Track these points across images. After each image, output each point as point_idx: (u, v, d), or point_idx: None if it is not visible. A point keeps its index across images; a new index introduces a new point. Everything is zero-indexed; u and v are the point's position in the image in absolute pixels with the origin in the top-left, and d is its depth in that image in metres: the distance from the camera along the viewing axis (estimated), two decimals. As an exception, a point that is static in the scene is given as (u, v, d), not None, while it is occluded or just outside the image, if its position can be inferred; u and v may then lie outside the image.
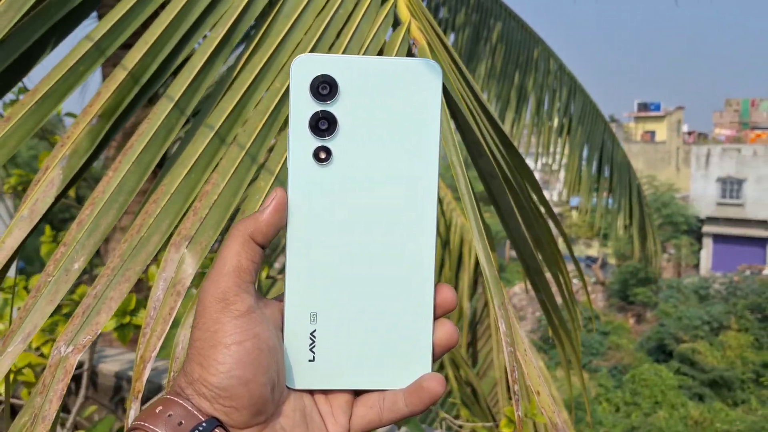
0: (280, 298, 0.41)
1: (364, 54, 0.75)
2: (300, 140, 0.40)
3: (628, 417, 12.19)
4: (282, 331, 0.40)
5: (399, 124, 0.41)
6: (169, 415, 0.37)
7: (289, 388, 0.40)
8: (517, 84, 3.37)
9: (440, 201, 3.24)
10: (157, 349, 0.55)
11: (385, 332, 0.41)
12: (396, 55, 0.76)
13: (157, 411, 0.37)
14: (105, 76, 2.31)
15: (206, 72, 0.69)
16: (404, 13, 0.79)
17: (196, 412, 0.37)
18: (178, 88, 0.68)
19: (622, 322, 17.12)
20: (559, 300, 1.07)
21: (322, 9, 0.76)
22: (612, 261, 21.79)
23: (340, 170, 0.40)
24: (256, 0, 0.74)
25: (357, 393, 0.42)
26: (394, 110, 0.40)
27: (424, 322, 0.41)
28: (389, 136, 0.40)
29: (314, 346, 0.41)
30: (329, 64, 0.40)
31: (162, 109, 0.67)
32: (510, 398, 3.29)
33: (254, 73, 0.70)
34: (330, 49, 0.74)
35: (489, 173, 0.90)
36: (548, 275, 1.01)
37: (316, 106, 0.40)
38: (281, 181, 0.65)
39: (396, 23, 0.79)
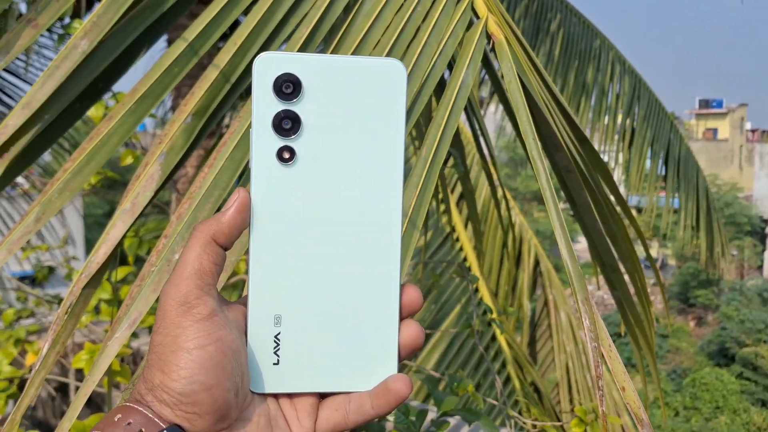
0: (243, 301, 0.41)
1: (441, 50, 0.76)
2: (263, 140, 0.39)
3: (687, 421, 11.80)
4: (245, 334, 0.40)
5: (363, 123, 0.40)
6: (129, 423, 0.36)
7: (253, 392, 0.40)
8: (577, 79, 3.31)
9: (476, 202, 3.21)
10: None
11: (351, 334, 0.41)
12: (475, 51, 0.76)
13: (116, 419, 0.36)
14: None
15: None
16: (481, 8, 0.80)
17: (156, 420, 0.36)
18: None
19: (682, 325, 16.57)
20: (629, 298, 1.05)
21: (401, 7, 0.77)
22: (672, 262, 21.12)
23: (304, 170, 0.39)
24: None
25: (322, 396, 0.42)
26: (359, 110, 0.40)
27: (390, 323, 0.41)
28: (354, 135, 0.40)
29: (279, 349, 0.40)
30: (293, 62, 0.39)
31: (246, 117, 0.69)
32: (571, 399, 3.23)
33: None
34: (408, 47, 0.75)
35: (565, 168, 0.89)
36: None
37: (279, 105, 0.39)
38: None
39: (473, 19, 0.80)
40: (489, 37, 0.79)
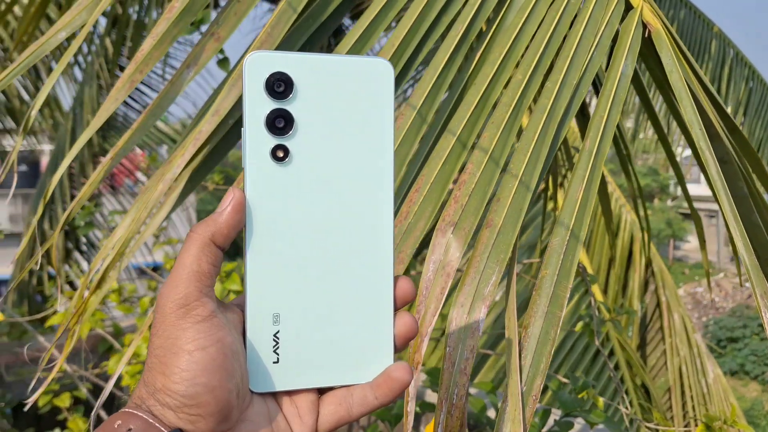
0: (238, 301, 0.41)
1: (597, 42, 0.75)
2: (256, 139, 0.39)
3: None
4: (243, 334, 0.40)
5: (354, 121, 0.40)
6: (129, 429, 0.35)
7: (253, 392, 0.40)
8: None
9: (609, 197, 3.10)
10: (433, 324, 0.59)
11: (348, 328, 0.41)
12: (632, 40, 0.75)
13: (116, 425, 0.35)
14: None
15: (447, 70, 0.73)
16: (636, -2, 0.78)
17: (157, 425, 0.36)
18: (421, 91, 0.72)
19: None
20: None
21: (554, 0, 0.77)
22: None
23: (298, 169, 0.40)
24: (489, -3, 0.77)
25: (321, 392, 0.42)
26: (350, 108, 0.40)
27: (385, 316, 0.41)
28: (346, 133, 0.40)
29: (278, 348, 0.40)
30: (283, 61, 0.39)
31: (408, 115, 0.71)
32: (684, 405, 3.07)
33: (494, 67, 0.72)
34: (564, 40, 0.75)
35: (721, 159, 0.85)
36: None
37: (272, 104, 0.39)
38: (526, 177, 0.67)
39: (628, 8, 0.78)
40: (644, 26, 0.77)
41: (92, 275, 0.66)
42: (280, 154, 0.39)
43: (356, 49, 0.74)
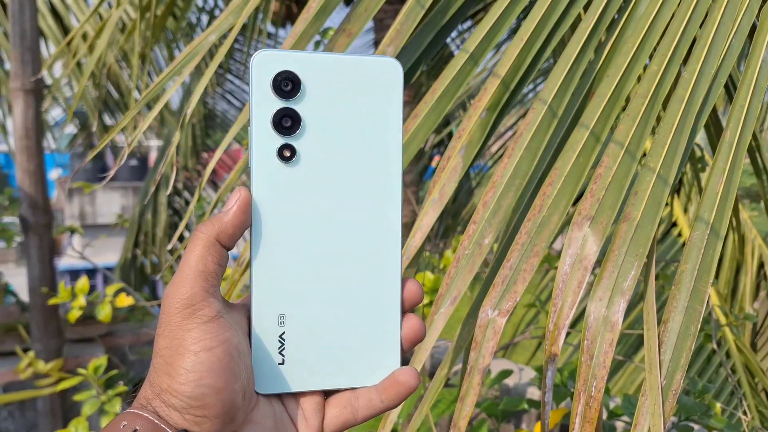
0: (243, 302, 0.40)
1: (736, 29, 0.72)
2: (263, 138, 0.38)
3: None
4: (249, 335, 0.39)
5: (362, 121, 0.39)
6: (135, 430, 0.35)
7: (259, 393, 0.39)
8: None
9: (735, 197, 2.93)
10: (570, 317, 0.59)
11: (354, 330, 0.40)
12: (777, 27, 0.71)
13: (122, 426, 0.35)
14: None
15: (578, 62, 0.72)
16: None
17: (163, 425, 0.35)
18: (551, 85, 0.72)
19: None
20: None
21: (690, -13, 0.74)
22: None
23: (305, 168, 0.39)
24: (620, -13, 0.76)
25: (327, 394, 0.41)
26: (357, 108, 0.39)
27: (392, 318, 0.40)
28: (353, 133, 0.39)
29: (284, 349, 0.40)
30: (291, 60, 0.38)
31: (539, 109, 0.71)
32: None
33: (628, 58, 0.71)
34: (702, 27, 0.72)
35: None
36: None
37: (279, 103, 0.38)
38: (665, 170, 0.66)
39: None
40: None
41: (241, 261, 0.71)
42: (287, 153, 0.39)
43: (482, 48, 0.75)
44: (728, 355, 2.33)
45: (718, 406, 1.22)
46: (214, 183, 3.88)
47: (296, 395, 0.41)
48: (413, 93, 2.47)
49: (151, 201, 3.38)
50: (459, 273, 0.63)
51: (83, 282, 1.50)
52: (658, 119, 0.68)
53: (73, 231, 1.77)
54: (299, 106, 0.39)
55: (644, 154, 0.67)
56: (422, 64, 0.80)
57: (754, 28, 0.75)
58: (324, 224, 0.40)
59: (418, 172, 2.71)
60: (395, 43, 0.73)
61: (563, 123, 0.72)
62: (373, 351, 0.41)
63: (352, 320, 0.40)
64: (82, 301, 1.49)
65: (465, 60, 0.73)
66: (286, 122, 0.39)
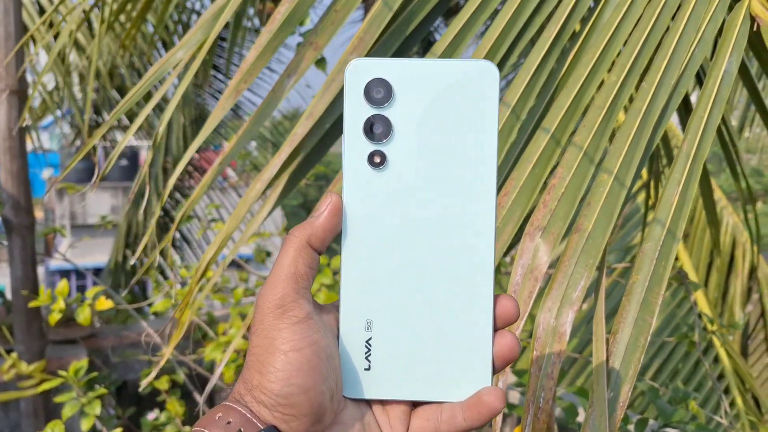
0: (335, 305, 0.41)
1: (699, 38, 0.72)
2: (354, 145, 0.39)
3: None
4: (338, 338, 0.40)
5: (455, 127, 0.39)
6: (228, 422, 0.36)
7: (346, 397, 0.40)
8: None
9: (714, 201, 2.94)
10: (520, 327, 0.59)
11: (443, 342, 0.39)
12: (737, 35, 0.71)
13: (217, 417, 0.37)
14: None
15: (539, 72, 0.72)
16: (743, -10, 0.74)
17: (255, 420, 0.36)
18: (513, 93, 0.71)
19: None
20: None
21: (653, -5, 0.74)
22: None
23: (396, 175, 0.39)
24: (583, -4, 0.76)
25: (414, 404, 0.41)
26: (450, 113, 0.39)
27: (484, 334, 0.39)
28: (445, 139, 0.39)
29: (370, 355, 0.40)
30: (383, 67, 0.39)
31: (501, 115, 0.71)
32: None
33: (587, 68, 0.71)
34: (664, 37, 0.72)
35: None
36: None
37: (370, 110, 0.39)
38: (620, 180, 0.65)
39: (735, 0, 0.74)
40: (752, 19, 0.73)
41: (200, 269, 0.71)
42: (377, 159, 0.39)
43: (447, 53, 0.74)
44: (717, 360, 2.33)
45: (702, 414, 1.22)
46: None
47: (383, 402, 0.41)
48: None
49: (141, 202, 3.39)
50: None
51: (63, 285, 1.50)
52: (615, 130, 0.68)
53: (55, 232, 1.78)
54: (390, 112, 0.39)
55: (599, 164, 0.67)
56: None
57: (717, 38, 0.75)
58: (414, 231, 0.39)
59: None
60: (358, 51, 0.73)
61: (524, 132, 0.72)
62: (462, 366, 0.40)
63: (440, 332, 0.40)
64: (61, 304, 1.49)
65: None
66: (377, 129, 0.39)
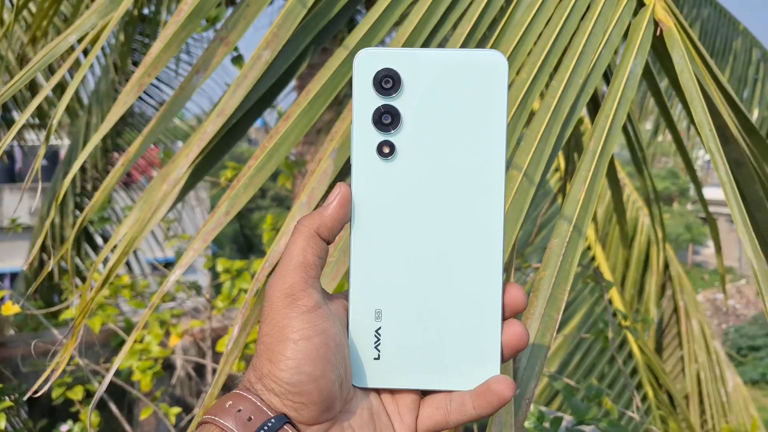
0: (344, 295, 0.41)
1: (606, 40, 0.74)
2: (363, 135, 0.39)
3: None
4: (347, 328, 0.40)
5: (464, 117, 0.39)
6: (239, 410, 0.37)
7: (355, 386, 0.40)
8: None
9: (625, 199, 3.08)
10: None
11: (452, 332, 0.40)
12: (642, 38, 0.73)
13: (227, 405, 0.37)
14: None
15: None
16: (648, -5, 0.76)
17: (265, 408, 0.37)
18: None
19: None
20: None
21: (563, -3, 0.75)
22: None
23: (404, 165, 0.39)
24: (496, -6, 0.76)
25: (424, 393, 0.41)
26: (459, 103, 0.39)
27: (492, 323, 0.40)
28: (454, 129, 0.39)
29: (379, 344, 0.40)
30: (392, 57, 0.39)
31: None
32: (702, 413, 3.02)
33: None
34: (573, 38, 0.74)
35: (735, 161, 0.83)
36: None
37: (379, 101, 0.39)
38: (529, 176, 0.66)
39: (639, 5, 0.77)
40: (656, 24, 0.76)
41: (95, 272, 0.66)
42: (386, 150, 0.39)
43: (363, 45, 0.73)
44: (632, 355, 2.43)
45: (615, 409, 1.26)
46: (126, 185, 3.73)
47: (393, 391, 0.41)
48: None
49: (58, 203, 3.21)
50: (322, 281, 0.61)
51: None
52: (524, 128, 0.69)
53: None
54: (399, 102, 0.39)
55: (510, 161, 0.67)
56: (302, 66, 0.78)
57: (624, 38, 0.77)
58: (423, 221, 0.39)
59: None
60: (272, 46, 0.70)
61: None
62: (471, 355, 0.40)
63: (450, 322, 0.40)
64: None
65: (345, 57, 0.72)
66: (386, 119, 0.39)
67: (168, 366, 2.21)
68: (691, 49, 0.79)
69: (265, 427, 0.36)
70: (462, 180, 0.39)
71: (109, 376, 0.70)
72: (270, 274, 0.63)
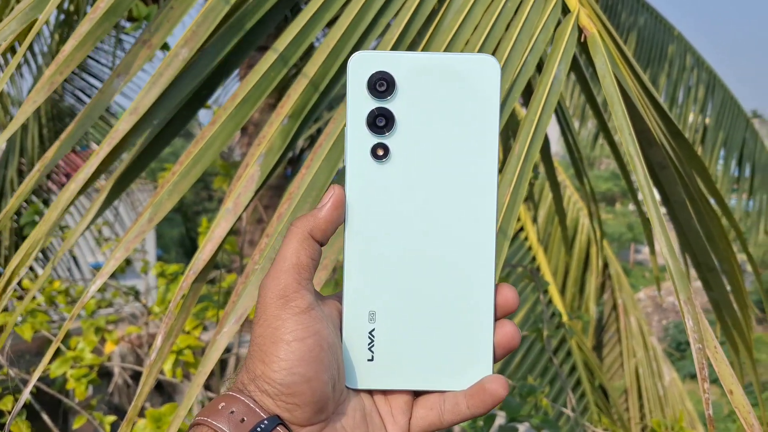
0: (337, 296, 0.42)
1: (532, 46, 0.75)
2: (357, 137, 0.40)
3: (767, 437, 11.14)
4: (340, 329, 0.40)
5: (457, 120, 0.40)
6: (232, 412, 0.37)
7: (348, 387, 0.40)
8: (648, 80, 3.21)
9: (567, 200, 3.15)
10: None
11: (445, 332, 0.40)
12: (566, 44, 0.75)
13: (220, 407, 0.37)
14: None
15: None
16: (572, 1, 0.78)
17: (258, 410, 0.37)
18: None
19: (761, 335, 15.71)
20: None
21: (491, 3, 0.76)
22: (749, 268, 20.06)
23: (398, 167, 0.40)
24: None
25: (416, 394, 0.42)
26: (452, 106, 0.40)
27: (485, 323, 0.40)
28: (447, 132, 0.40)
29: (373, 346, 0.40)
30: (386, 60, 0.40)
31: (339, 120, 0.70)
32: (641, 407, 3.12)
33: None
34: (499, 44, 0.75)
35: (659, 163, 0.86)
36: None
37: (373, 103, 0.39)
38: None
39: (564, 12, 0.79)
40: (580, 30, 0.78)
41: (4, 279, 0.64)
42: (380, 152, 0.39)
43: (292, 48, 0.72)
44: (571, 353, 2.49)
45: (549, 406, 1.29)
46: (62, 185, 3.59)
47: (386, 392, 0.41)
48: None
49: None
50: (247, 289, 0.60)
51: None
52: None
53: None
54: (393, 105, 0.39)
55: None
56: (235, 68, 0.76)
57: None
58: (416, 223, 0.40)
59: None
60: (190, 44, 0.69)
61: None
62: (464, 355, 0.40)
63: (443, 322, 0.40)
64: None
65: (274, 60, 0.71)
66: (380, 122, 0.39)
67: (106, 374, 2.14)
68: (616, 55, 0.81)
69: (258, 429, 0.36)
70: (455, 182, 0.40)
71: (32, 382, 0.67)
72: (194, 281, 0.62)
